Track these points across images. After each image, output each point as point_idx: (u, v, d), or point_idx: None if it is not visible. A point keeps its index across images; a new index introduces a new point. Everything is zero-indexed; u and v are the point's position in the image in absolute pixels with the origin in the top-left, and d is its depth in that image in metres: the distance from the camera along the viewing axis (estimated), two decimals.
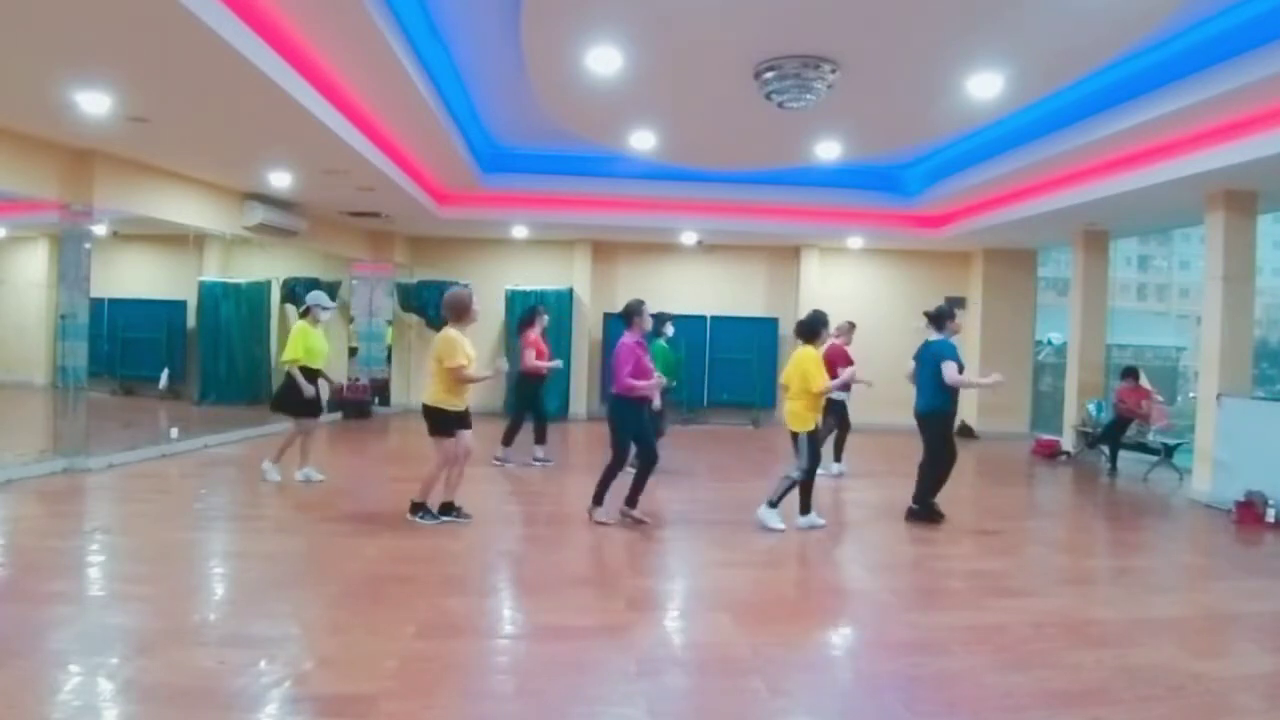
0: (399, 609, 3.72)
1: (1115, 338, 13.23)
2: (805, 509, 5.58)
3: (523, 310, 8.32)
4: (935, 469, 5.90)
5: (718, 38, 4.99)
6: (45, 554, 4.40)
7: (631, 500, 5.53)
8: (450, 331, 5.27)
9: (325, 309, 6.69)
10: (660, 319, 7.33)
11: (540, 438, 7.81)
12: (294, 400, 6.45)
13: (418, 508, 5.33)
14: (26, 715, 2.62)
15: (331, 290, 11.75)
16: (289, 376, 6.44)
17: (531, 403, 7.79)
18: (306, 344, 6.43)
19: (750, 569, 4.72)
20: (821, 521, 5.59)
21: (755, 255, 12.52)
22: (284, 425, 6.92)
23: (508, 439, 7.73)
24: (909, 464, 6.23)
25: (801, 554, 5.12)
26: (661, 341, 7.49)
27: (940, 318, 6.08)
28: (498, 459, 7.65)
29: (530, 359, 7.55)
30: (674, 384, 7.44)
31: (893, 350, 12.19)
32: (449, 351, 5.16)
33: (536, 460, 7.74)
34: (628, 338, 5.51)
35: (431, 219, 10.44)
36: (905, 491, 6.16)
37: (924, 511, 5.87)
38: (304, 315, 6.61)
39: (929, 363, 5.89)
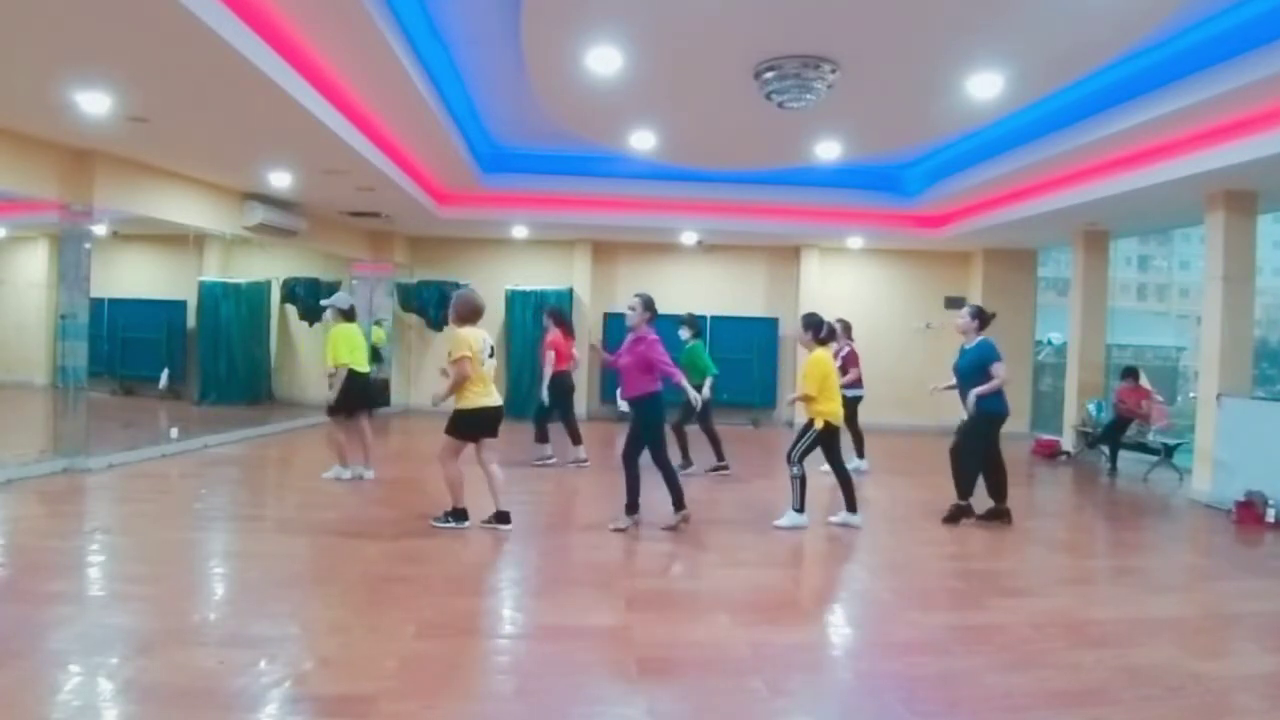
0: (399, 609, 3.72)
1: (1115, 338, 13.21)
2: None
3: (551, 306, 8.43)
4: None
5: (718, 38, 4.99)
6: (45, 554, 4.40)
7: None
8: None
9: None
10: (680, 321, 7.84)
11: (543, 437, 7.87)
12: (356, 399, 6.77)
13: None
14: (26, 715, 2.61)
15: (332, 290, 11.77)
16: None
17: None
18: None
19: (750, 569, 4.72)
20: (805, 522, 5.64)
21: (755, 255, 12.52)
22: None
23: (575, 439, 7.85)
24: (911, 463, 6.23)
25: (801, 554, 5.12)
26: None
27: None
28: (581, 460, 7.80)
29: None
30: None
31: (893, 350, 12.26)
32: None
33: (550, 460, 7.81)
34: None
35: (431, 219, 10.44)
36: (904, 491, 6.16)
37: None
38: (352, 319, 6.84)
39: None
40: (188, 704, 2.72)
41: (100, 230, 7.44)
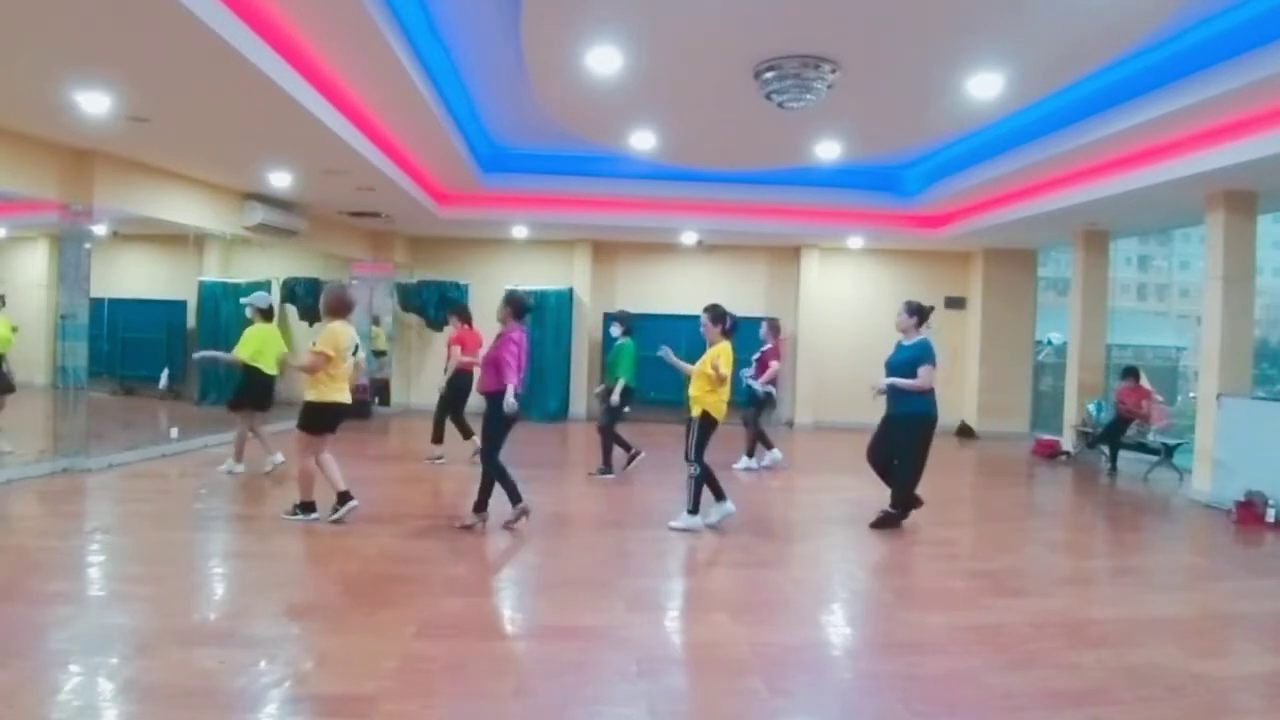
0: (399, 609, 3.72)
1: (1115, 338, 13.22)
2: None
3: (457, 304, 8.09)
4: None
5: (718, 37, 4.98)
6: (45, 554, 4.40)
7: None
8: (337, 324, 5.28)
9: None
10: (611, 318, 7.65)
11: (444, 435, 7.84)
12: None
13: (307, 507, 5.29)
14: (26, 715, 2.61)
15: (334, 289, 11.76)
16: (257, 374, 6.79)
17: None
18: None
19: (749, 569, 4.72)
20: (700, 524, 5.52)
21: (755, 255, 12.52)
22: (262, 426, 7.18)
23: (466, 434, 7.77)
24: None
25: (801, 554, 5.12)
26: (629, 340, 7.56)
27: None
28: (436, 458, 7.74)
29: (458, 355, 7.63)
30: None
31: (893, 350, 12.24)
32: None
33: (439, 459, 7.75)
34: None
35: (431, 219, 10.44)
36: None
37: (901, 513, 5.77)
38: (269, 318, 6.89)
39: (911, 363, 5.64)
40: (188, 704, 2.72)
41: (100, 230, 7.44)
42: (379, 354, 11.93)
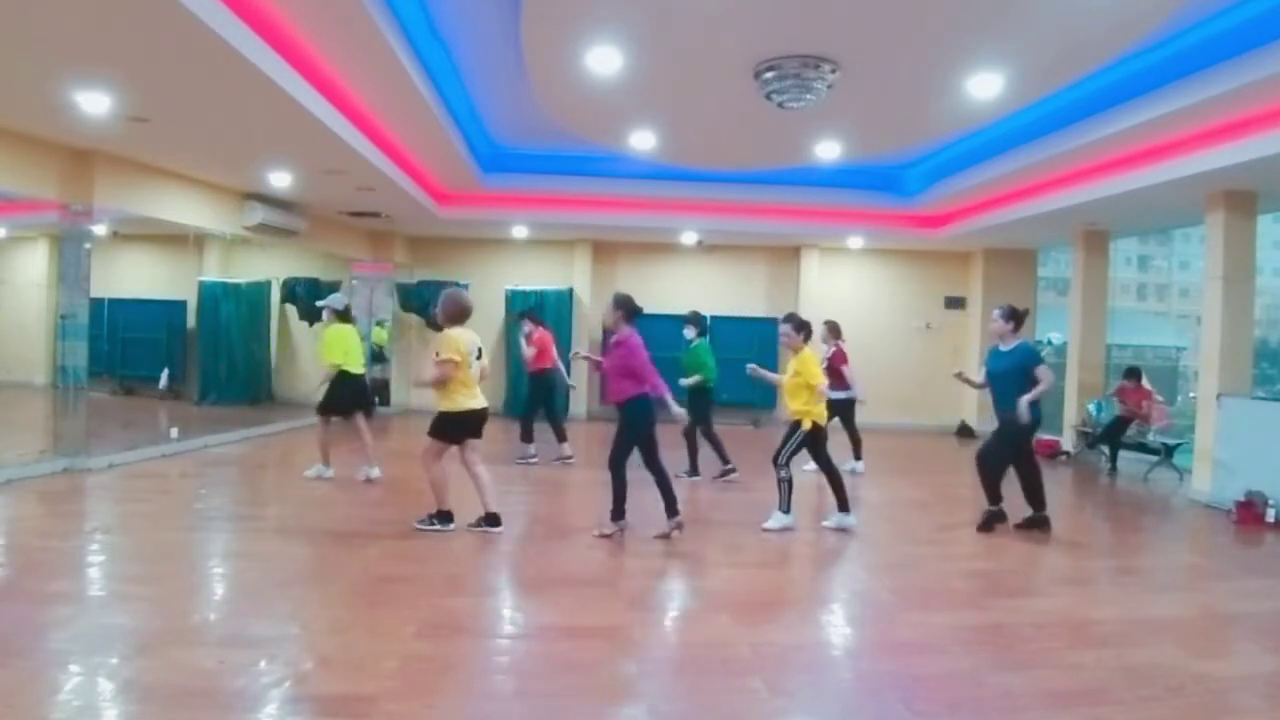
0: (399, 609, 3.72)
1: (1115, 338, 13.23)
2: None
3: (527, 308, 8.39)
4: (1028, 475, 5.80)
5: (718, 38, 4.99)
6: (45, 554, 4.40)
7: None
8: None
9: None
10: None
11: (561, 435, 8.01)
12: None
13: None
14: (26, 715, 2.61)
15: (333, 290, 11.79)
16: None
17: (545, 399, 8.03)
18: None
19: (750, 569, 4.72)
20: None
21: (755, 255, 12.53)
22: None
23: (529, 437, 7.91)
24: (910, 463, 6.21)
25: (802, 554, 5.12)
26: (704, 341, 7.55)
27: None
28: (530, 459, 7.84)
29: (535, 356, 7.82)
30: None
31: (893, 350, 12.27)
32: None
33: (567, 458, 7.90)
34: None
35: (431, 219, 10.45)
36: (904, 492, 6.16)
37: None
38: (347, 319, 6.90)
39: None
40: (188, 704, 2.72)
41: (100, 230, 7.43)
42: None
